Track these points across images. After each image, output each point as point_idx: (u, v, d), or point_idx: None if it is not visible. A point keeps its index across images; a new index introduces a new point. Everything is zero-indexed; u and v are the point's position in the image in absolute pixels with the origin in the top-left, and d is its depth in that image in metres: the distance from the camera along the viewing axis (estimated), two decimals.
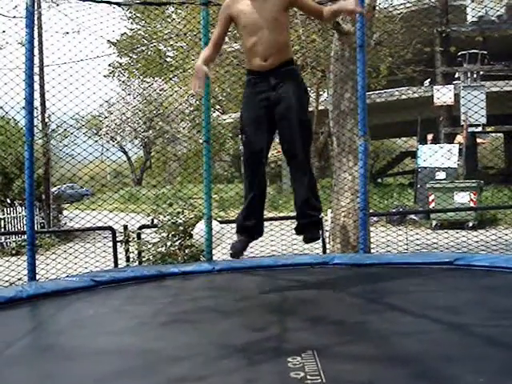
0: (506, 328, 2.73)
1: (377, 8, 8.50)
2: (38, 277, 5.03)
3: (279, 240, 7.10)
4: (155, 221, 6.54)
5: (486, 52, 18.54)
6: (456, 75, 19.53)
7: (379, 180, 29.63)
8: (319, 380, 2.13)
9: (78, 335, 3.01)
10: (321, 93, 19.12)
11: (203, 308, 3.44)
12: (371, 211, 8.30)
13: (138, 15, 27.88)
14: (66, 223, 15.35)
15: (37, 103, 12.72)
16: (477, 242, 7.06)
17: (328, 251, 6.43)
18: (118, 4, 5.53)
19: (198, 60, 3.71)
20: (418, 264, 4.36)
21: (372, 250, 6.13)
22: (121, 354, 2.65)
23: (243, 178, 3.94)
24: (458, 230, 10.16)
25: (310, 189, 3.83)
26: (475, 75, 18.49)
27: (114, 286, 4.17)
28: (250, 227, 3.95)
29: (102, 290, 4.08)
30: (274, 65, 3.62)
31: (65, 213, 16.15)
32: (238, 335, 2.87)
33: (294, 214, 4.10)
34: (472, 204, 13.71)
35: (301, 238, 4.07)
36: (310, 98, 18.27)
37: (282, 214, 10.73)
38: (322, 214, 4.09)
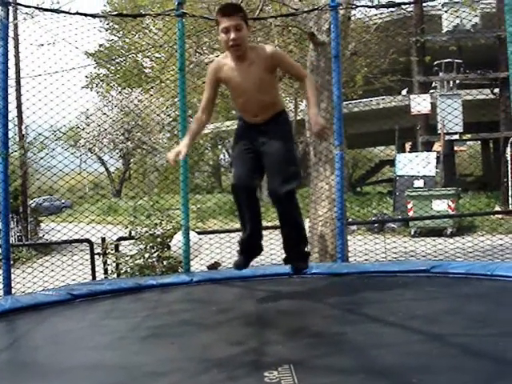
0: (481, 337, 2.75)
1: (352, 19, 8.58)
2: (14, 291, 4.97)
3: None
4: (133, 233, 6.50)
5: (461, 61, 18.77)
6: (433, 84, 19.74)
7: (358, 189, 29.77)
8: None
9: (55, 351, 2.98)
10: (300, 103, 19.17)
11: (181, 321, 3.42)
12: (350, 220, 8.34)
13: (116, 26, 27.89)
14: (43, 236, 15.19)
15: (13, 115, 12.60)
16: (454, 249, 7.11)
17: None
18: (93, 16, 5.50)
19: (186, 136, 3.75)
20: (395, 272, 4.39)
21: (350, 259, 6.15)
22: (99, 369, 2.63)
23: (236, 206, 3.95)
24: (437, 238, 10.23)
25: (296, 225, 3.86)
26: (451, 84, 18.70)
27: (91, 299, 4.13)
28: (250, 249, 3.99)
29: (78, 303, 4.05)
30: (264, 119, 3.68)
31: (42, 225, 15.98)
32: (216, 349, 2.86)
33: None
34: (450, 211, 13.83)
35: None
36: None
37: (265, 224, 10.66)
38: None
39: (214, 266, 6.45)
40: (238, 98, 3.72)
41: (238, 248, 4.04)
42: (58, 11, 5.54)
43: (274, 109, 3.73)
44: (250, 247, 3.98)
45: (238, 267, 3.99)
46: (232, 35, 3.47)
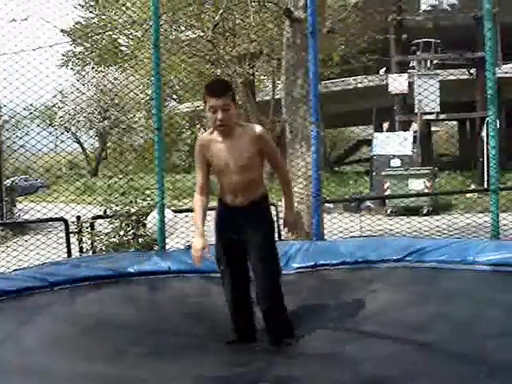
0: (456, 331, 2.79)
1: None
2: None
3: None
4: (108, 211, 6.45)
5: (439, 41, 18.82)
6: (411, 64, 19.78)
7: (336, 168, 29.86)
8: None
9: None
10: (277, 81, 19.11)
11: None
12: (327, 198, 8.37)
13: (92, 3, 27.48)
14: (19, 216, 15.02)
15: None
16: (426, 226, 7.17)
17: (283, 237, 6.45)
18: None
19: (195, 238, 3.52)
20: (369, 262, 4.39)
21: (326, 237, 6.17)
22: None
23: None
24: (413, 217, 10.30)
25: (275, 297, 3.61)
26: (429, 64, 18.74)
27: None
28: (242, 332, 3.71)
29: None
30: (243, 204, 3.57)
31: (20, 206, 15.79)
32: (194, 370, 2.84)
33: None
34: (427, 190, 13.92)
35: None
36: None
37: None
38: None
39: None
40: (221, 177, 3.61)
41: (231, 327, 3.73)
42: None
43: (254, 191, 3.61)
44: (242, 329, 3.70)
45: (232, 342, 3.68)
46: (219, 116, 3.40)
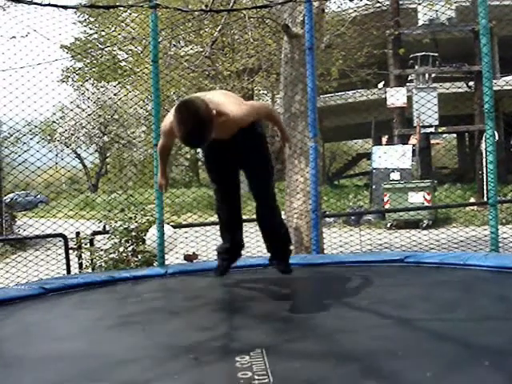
0: (451, 322, 2.78)
1: (327, 11, 8.58)
2: None
3: None
4: (107, 227, 6.46)
5: (437, 54, 18.91)
6: (409, 77, 19.88)
7: (335, 182, 29.87)
8: (266, 380, 2.12)
9: (23, 342, 2.94)
10: (277, 96, 19.16)
11: (152, 310, 3.42)
12: (327, 212, 8.37)
13: (91, 19, 27.58)
14: (19, 231, 15.01)
15: None
16: (427, 240, 7.17)
17: None
18: (65, 7, 5.44)
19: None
20: (369, 262, 4.41)
21: (325, 251, 6.17)
22: (66, 359, 2.59)
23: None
24: (413, 230, 10.30)
25: (278, 224, 3.95)
26: (427, 77, 18.83)
27: (63, 292, 4.10)
28: (226, 250, 4.00)
29: (50, 297, 4.01)
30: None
31: (19, 222, 15.77)
32: (188, 336, 2.86)
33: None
34: (426, 203, 13.94)
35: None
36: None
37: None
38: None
39: (191, 258, 6.45)
40: None
41: (217, 254, 4.05)
42: (29, 2, 5.48)
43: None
44: (231, 254, 4.02)
45: (220, 275, 4.00)
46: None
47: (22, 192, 21.01)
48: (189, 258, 6.41)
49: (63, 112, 19.33)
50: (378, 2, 16.25)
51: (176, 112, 3.14)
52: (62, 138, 22.75)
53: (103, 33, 21.48)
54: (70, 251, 6.67)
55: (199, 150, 4.17)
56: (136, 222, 6.21)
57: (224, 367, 2.34)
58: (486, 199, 15.79)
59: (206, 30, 11.24)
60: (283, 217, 6.36)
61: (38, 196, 21.76)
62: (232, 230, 3.96)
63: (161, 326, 3.07)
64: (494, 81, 7.20)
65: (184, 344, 2.67)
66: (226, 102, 3.41)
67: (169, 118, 3.44)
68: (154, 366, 2.43)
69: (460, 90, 19.18)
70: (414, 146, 17.46)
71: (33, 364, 2.56)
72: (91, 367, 2.46)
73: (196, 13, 8.36)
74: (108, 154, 25.93)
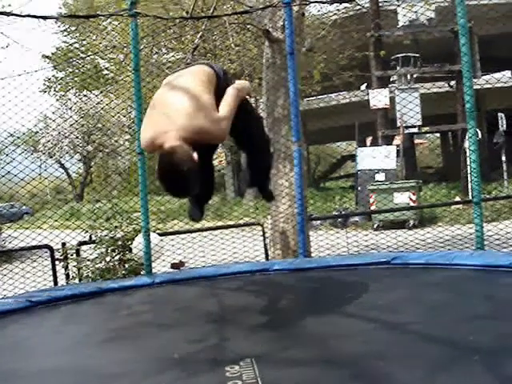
0: (439, 323, 2.79)
1: (307, 15, 8.60)
2: None
3: (219, 249, 7.09)
4: (93, 237, 6.42)
5: (418, 55, 19.03)
6: (391, 79, 19.97)
7: (321, 184, 29.94)
8: None
9: (12, 358, 2.92)
10: (260, 100, 19.19)
11: (141, 322, 3.40)
12: (313, 215, 8.38)
13: (72, 29, 27.48)
14: (4, 243, 14.87)
15: None
16: (413, 240, 7.20)
17: (270, 257, 6.46)
18: (44, 18, 5.40)
19: None
20: (356, 265, 4.42)
21: (312, 254, 6.18)
22: (56, 374, 2.58)
23: None
24: (400, 230, 10.33)
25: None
26: (409, 78, 18.93)
27: (50, 305, 4.07)
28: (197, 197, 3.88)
29: (38, 310, 3.98)
30: None
31: (4, 234, 15.62)
32: (177, 347, 2.83)
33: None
34: (411, 203, 13.99)
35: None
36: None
37: (229, 223, 10.67)
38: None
39: (178, 266, 6.43)
40: None
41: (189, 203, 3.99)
42: (8, 14, 5.45)
43: None
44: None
45: (196, 219, 4.01)
46: None
47: (7, 204, 20.87)
48: (176, 266, 6.39)
49: (46, 122, 19.19)
50: (358, 4, 16.31)
51: (159, 163, 3.02)
52: (46, 148, 22.58)
53: (84, 42, 21.41)
54: (57, 262, 6.62)
55: None
56: (122, 230, 6.17)
57: (214, 377, 2.33)
58: (470, 197, 15.92)
59: (188, 36, 11.24)
60: (269, 221, 6.39)
61: (23, 207, 21.61)
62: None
63: (150, 339, 3.05)
64: (475, 80, 7.26)
65: (173, 356, 2.65)
66: (204, 124, 3.12)
67: (145, 131, 3.27)
68: (143, 379, 2.43)
69: (442, 90, 19.31)
70: (398, 146, 17.54)
71: (22, 380, 2.54)
72: (81, 382, 2.44)
73: (177, 20, 8.35)
74: (92, 163, 25.78)
